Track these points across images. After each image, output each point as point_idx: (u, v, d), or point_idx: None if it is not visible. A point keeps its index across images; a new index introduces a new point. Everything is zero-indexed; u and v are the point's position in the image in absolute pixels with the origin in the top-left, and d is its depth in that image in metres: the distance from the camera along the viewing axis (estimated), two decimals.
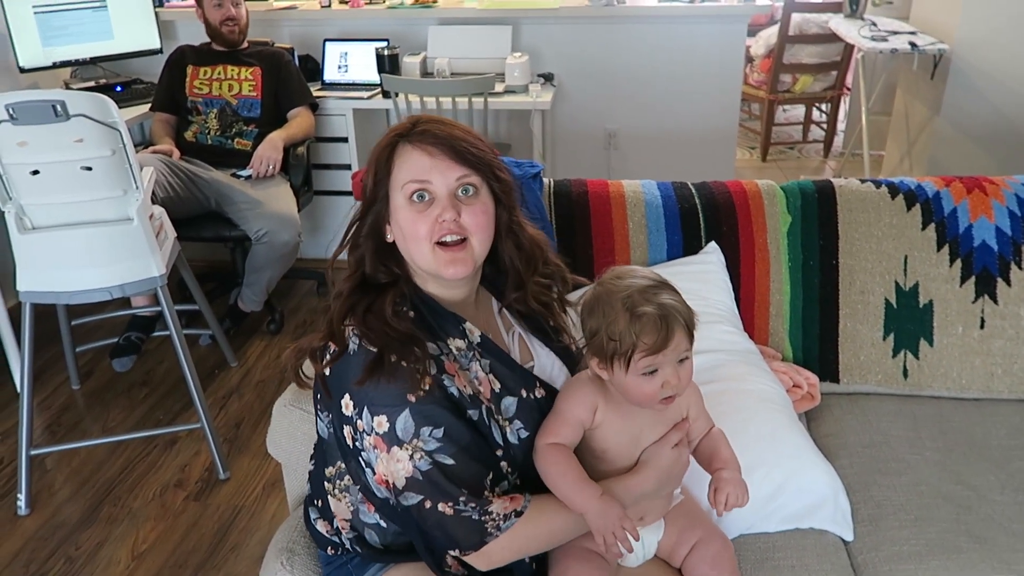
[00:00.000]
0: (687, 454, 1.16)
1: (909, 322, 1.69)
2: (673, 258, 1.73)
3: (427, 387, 1.02)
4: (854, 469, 1.47)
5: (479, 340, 1.12)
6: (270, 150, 2.86)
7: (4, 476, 2.27)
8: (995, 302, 1.67)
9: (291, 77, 3.08)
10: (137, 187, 2.06)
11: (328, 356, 1.07)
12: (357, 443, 1.06)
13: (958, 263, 1.68)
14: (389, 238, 1.10)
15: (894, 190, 1.74)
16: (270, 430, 1.46)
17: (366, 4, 3.74)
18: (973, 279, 1.68)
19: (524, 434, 1.09)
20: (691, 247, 1.73)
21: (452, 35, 3.57)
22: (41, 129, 1.88)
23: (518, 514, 1.04)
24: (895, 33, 3.63)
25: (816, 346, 1.73)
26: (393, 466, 1.02)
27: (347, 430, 1.06)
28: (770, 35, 4.74)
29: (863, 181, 1.78)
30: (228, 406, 2.57)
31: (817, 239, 1.73)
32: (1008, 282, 1.67)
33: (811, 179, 1.83)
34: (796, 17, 4.49)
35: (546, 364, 1.19)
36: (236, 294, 3.00)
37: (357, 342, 1.04)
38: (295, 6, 3.83)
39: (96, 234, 2.03)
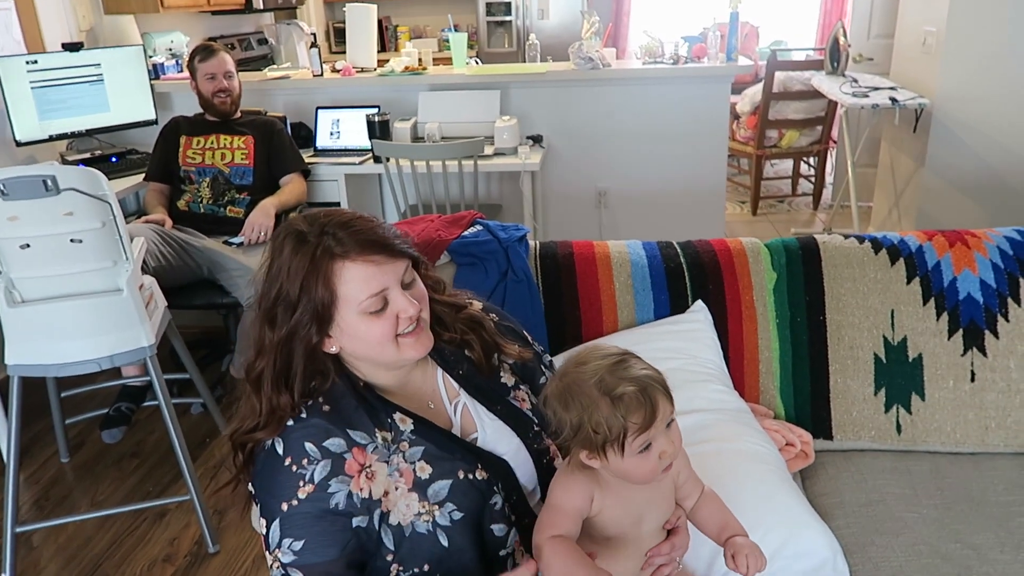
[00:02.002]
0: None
1: (900, 377, 1.68)
2: (660, 317, 1.73)
3: (303, 496, 1.02)
4: (851, 529, 1.44)
5: (412, 428, 1.11)
6: (262, 217, 2.89)
7: None
8: (984, 355, 1.66)
9: (283, 145, 3.13)
10: (127, 258, 2.07)
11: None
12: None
13: (945, 316, 1.68)
14: (333, 350, 1.09)
15: (877, 245, 1.75)
16: (254, 508, 1.43)
17: (357, 72, 3.82)
18: (961, 332, 1.67)
19: (457, 516, 1.07)
20: (678, 306, 1.73)
21: (442, 100, 3.64)
22: (32, 204, 1.90)
23: None
24: (876, 89, 3.71)
25: (808, 403, 1.71)
26: (270, 568, 1.06)
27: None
28: (755, 92, 4.85)
29: (846, 236, 1.79)
30: (219, 476, 2.54)
31: (803, 295, 1.73)
32: (996, 334, 1.67)
33: (795, 235, 1.84)
34: (779, 75, 4.59)
35: (491, 435, 1.16)
36: (228, 361, 2.98)
37: (271, 442, 1.06)
38: (288, 76, 3.92)
39: (85, 305, 2.03)
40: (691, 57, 3.72)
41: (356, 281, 1.03)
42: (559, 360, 1.22)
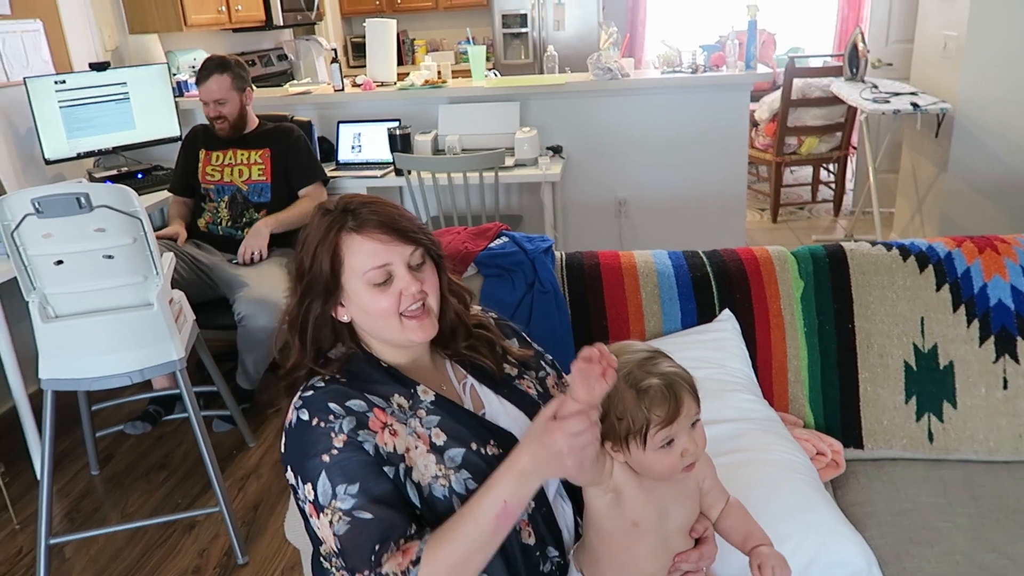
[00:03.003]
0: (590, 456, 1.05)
1: (931, 384, 1.67)
2: (688, 327, 1.73)
3: (340, 444, 1.06)
4: (885, 539, 1.43)
5: (432, 399, 1.15)
6: (254, 239, 2.87)
7: (23, 566, 2.25)
8: (1017, 361, 1.65)
9: (300, 154, 3.04)
10: (157, 273, 2.10)
11: (283, 432, 1.13)
12: (306, 513, 1.09)
13: (975, 323, 1.67)
14: (346, 319, 1.16)
15: (905, 252, 1.74)
16: (288, 515, 1.45)
17: (378, 87, 3.86)
18: (992, 339, 1.66)
19: (472, 485, 1.09)
20: (705, 315, 1.73)
21: (462, 113, 3.67)
22: (65, 221, 1.94)
23: (415, 563, 1.01)
24: (897, 94, 3.69)
25: (837, 412, 1.71)
26: (325, 534, 1.06)
27: (299, 502, 1.10)
28: (773, 100, 4.84)
29: (873, 244, 1.79)
30: (247, 488, 2.56)
31: (831, 303, 1.72)
32: None
33: (822, 243, 1.84)
34: (798, 82, 4.58)
35: (497, 411, 1.21)
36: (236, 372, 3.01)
37: (295, 414, 1.10)
38: (310, 91, 3.96)
39: (117, 320, 2.06)
40: (709, 66, 3.73)
41: (361, 253, 1.12)
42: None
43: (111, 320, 2.06)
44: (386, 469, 1.07)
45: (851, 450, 1.69)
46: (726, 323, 1.70)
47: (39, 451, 2.53)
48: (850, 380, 1.70)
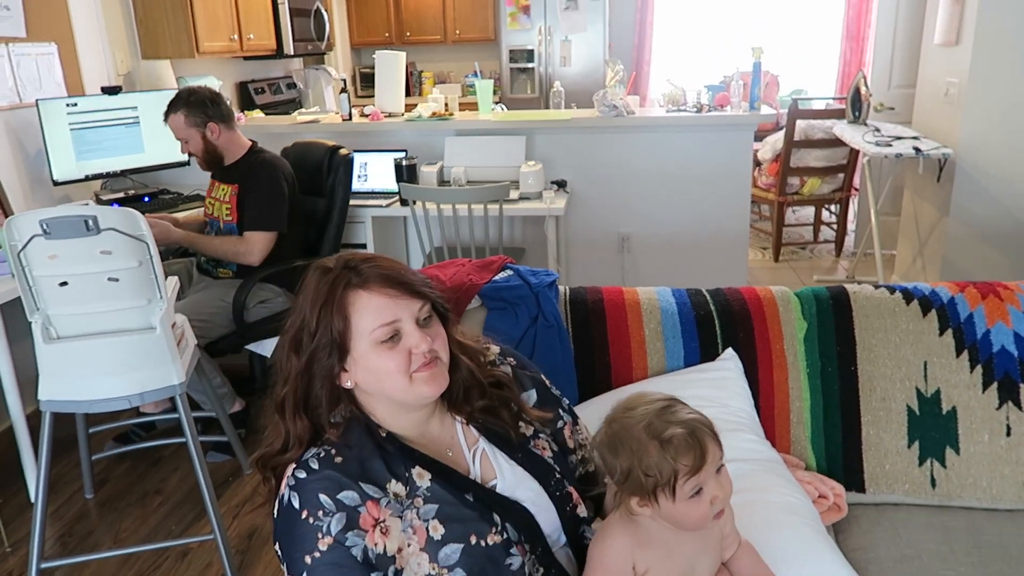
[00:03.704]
0: None
1: (933, 430, 1.66)
2: (690, 365, 1.73)
3: (324, 547, 1.02)
4: None
5: (428, 485, 1.09)
6: (160, 233, 2.66)
7: None
8: (1020, 408, 1.65)
9: (259, 196, 2.78)
10: (161, 296, 2.10)
11: (277, 498, 1.09)
12: None
13: (978, 369, 1.67)
14: (348, 384, 1.11)
15: (908, 296, 1.75)
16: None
17: (385, 117, 3.90)
18: (995, 385, 1.66)
19: None
20: (708, 354, 1.73)
21: (468, 145, 3.70)
22: (72, 242, 1.94)
23: None
24: (899, 138, 3.73)
25: (839, 454, 1.70)
26: None
27: None
28: (776, 140, 4.89)
29: (877, 287, 1.79)
30: (241, 516, 2.53)
31: (834, 345, 1.72)
32: None
33: (824, 284, 1.84)
34: (801, 123, 4.63)
35: (509, 481, 1.16)
36: None
37: (288, 492, 1.06)
38: (318, 119, 4.01)
39: (119, 343, 2.06)
40: (714, 105, 3.77)
41: (369, 310, 1.06)
42: (604, 406, 1.19)
43: (113, 343, 2.06)
44: (373, 575, 1.03)
45: (853, 494, 1.67)
46: (729, 362, 1.70)
47: (34, 473, 2.51)
48: (852, 423, 1.70)
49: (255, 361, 3.22)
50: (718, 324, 1.75)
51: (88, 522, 2.53)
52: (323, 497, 1.03)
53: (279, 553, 1.07)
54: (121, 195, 3.50)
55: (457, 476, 1.12)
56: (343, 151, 3.13)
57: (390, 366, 1.07)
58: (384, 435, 1.12)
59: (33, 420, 2.43)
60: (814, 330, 1.74)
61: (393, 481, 1.08)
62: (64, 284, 1.99)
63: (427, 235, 3.31)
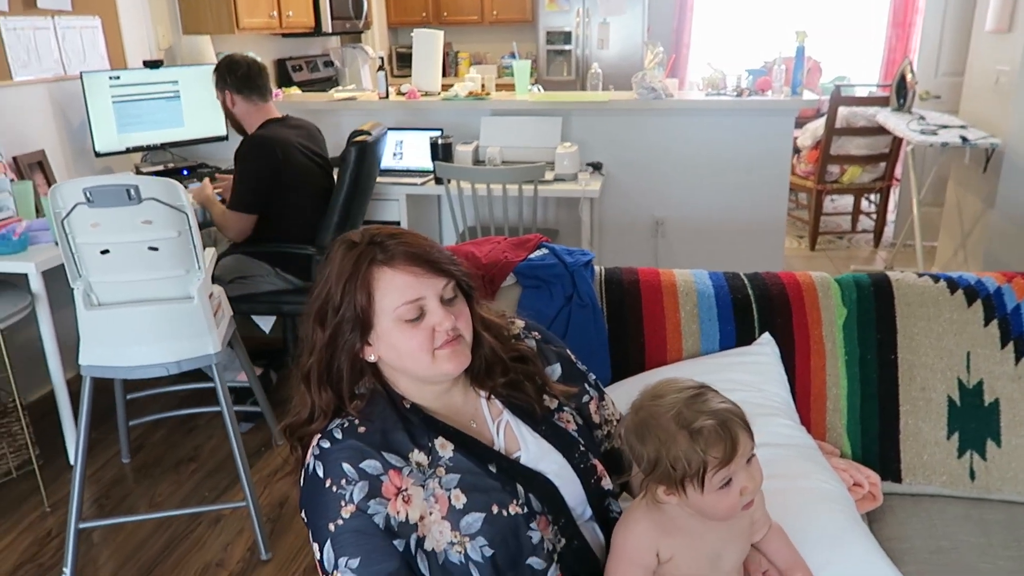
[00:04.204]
0: None
1: (974, 421, 1.63)
2: (726, 348, 1.71)
3: (347, 515, 1.03)
4: None
5: (450, 455, 1.10)
6: (197, 190, 2.93)
7: (52, 548, 2.28)
8: None
9: (235, 176, 2.84)
10: (199, 267, 2.13)
11: (303, 467, 1.10)
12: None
13: None
14: (371, 358, 1.11)
15: (953, 285, 1.71)
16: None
17: (422, 96, 3.89)
18: None
19: (488, 552, 1.05)
20: (744, 338, 1.71)
21: (504, 125, 3.69)
22: (114, 211, 1.97)
23: None
24: (945, 127, 3.64)
25: (876, 443, 1.67)
26: None
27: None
28: (817, 127, 4.80)
29: (920, 275, 1.75)
30: (272, 485, 2.57)
31: (874, 333, 1.69)
32: None
33: (866, 271, 1.81)
34: (843, 110, 4.54)
35: (534, 453, 1.16)
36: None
37: (313, 462, 1.07)
38: (354, 97, 4.02)
39: (157, 311, 2.09)
40: (755, 90, 3.71)
41: (393, 288, 1.06)
42: (636, 387, 1.18)
43: (152, 311, 2.09)
44: (396, 542, 1.03)
45: (888, 483, 1.65)
46: (766, 347, 1.68)
47: (74, 436, 2.58)
48: (890, 412, 1.67)
49: (288, 334, 3.25)
50: (755, 308, 1.73)
51: (125, 486, 2.59)
52: (346, 466, 1.04)
53: (305, 520, 1.08)
54: (160, 168, 3.54)
55: (480, 447, 1.13)
56: (360, 137, 2.92)
57: (413, 344, 1.07)
58: (408, 406, 1.12)
59: (73, 385, 2.49)
60: (854, 317, 1.71)
61: (415, 451, 1.08)
62: (106, 252, 2.03)
63: (461, 214, 3.31)
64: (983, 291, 1.69)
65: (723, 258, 3.74)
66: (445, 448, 1.10)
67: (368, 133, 2.97)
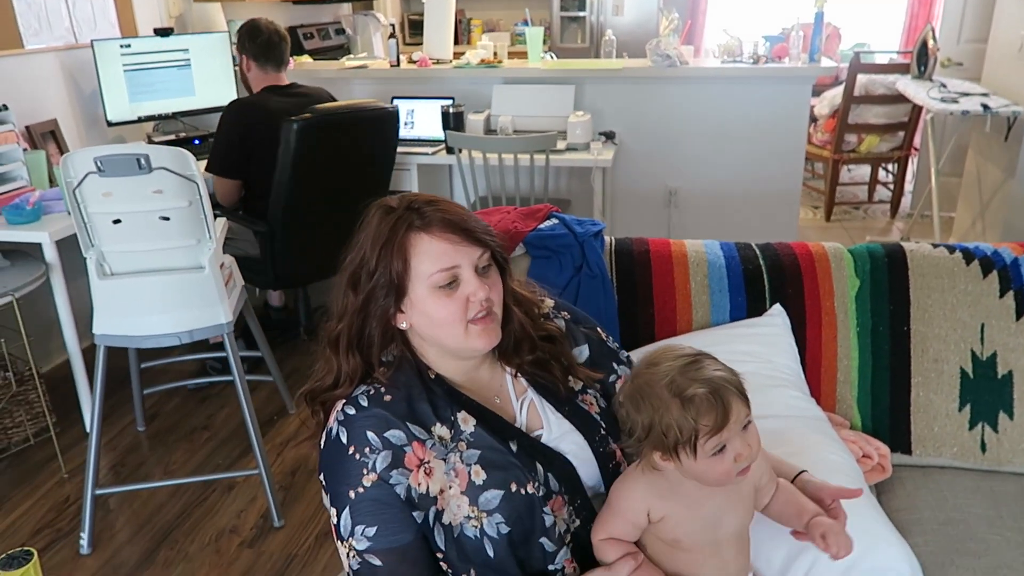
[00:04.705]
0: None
1: (987, 393, 1.61)
2: (737, 319, 1.70)
3: (368, 483, 1.03)
4: (930, 548, 1.40)
5: (472, 430, 1.09)
6: None
7: (70, 514, 2.33)
8: None
9: (214, 136, 2.95)
10: (210, 237, 2.14)
11: (324, 430, 1.10)
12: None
13: None
14: (403, 326, 1.11)
15: (969, 256, 1.68)
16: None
17: (434, 64, 3.86)
18: None
19: (504, 529, 1.05)
20: (755, 309, 1.70)
21: (516, 94, 3.65)
22: (125, 181, 1.98)
23: None
24: (966, 95, 3.57)
25: (886, 415, 1.66)
26: (342, 559, 1.06)
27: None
28: (835, 95, 4.72)
29: (935, 246, 1.73)
30: (285, 453, 2.60)
31: (887, 304, 1.67)
32: None
33: (880, 242, 1.79)
34: (862, 78, 4.45)
35: (556, 432, 1.16)
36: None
37: (336, 427, 1.07)
38: (366, 65, 3.98)
39: (169, 281, 2.11)
40: (772, 57, 3.65)
41: (429, 254, 1.05)
42: (636, 356, 1.19)
43: (164, 281, 2.10)
44: (415, 514, 1.04)
45: (898, 455, 1.64)
46: (776, 318, 1.67)
47: (89, 404, 2.61)
48: (902, 384, 1.66)
49: (300, 305, 3.26)
50: (767, 279, 1.71)
51: (140, 453, 2.63)
52: (370, 434, 1.05)
53: (323, 483, 1.09)
54: (172, 137, 3.54)
55: (502, 423, 1.13)
56: (303, 115, 2.71)
57: (446, 313, 1.06)
58: (433, 376, 1.12)
59: (88, 354, 2.51)
60: (867, 288, 1.69)
61: (438, 424, 1.08)
62: (118, 222, 2.04)
63: (472, 184, 3.29)
64: (999, 262, 1.66)
65: (736, 229, 3.71)
66: (467, 423, 1.10)
67: (319, 112, 2.79)
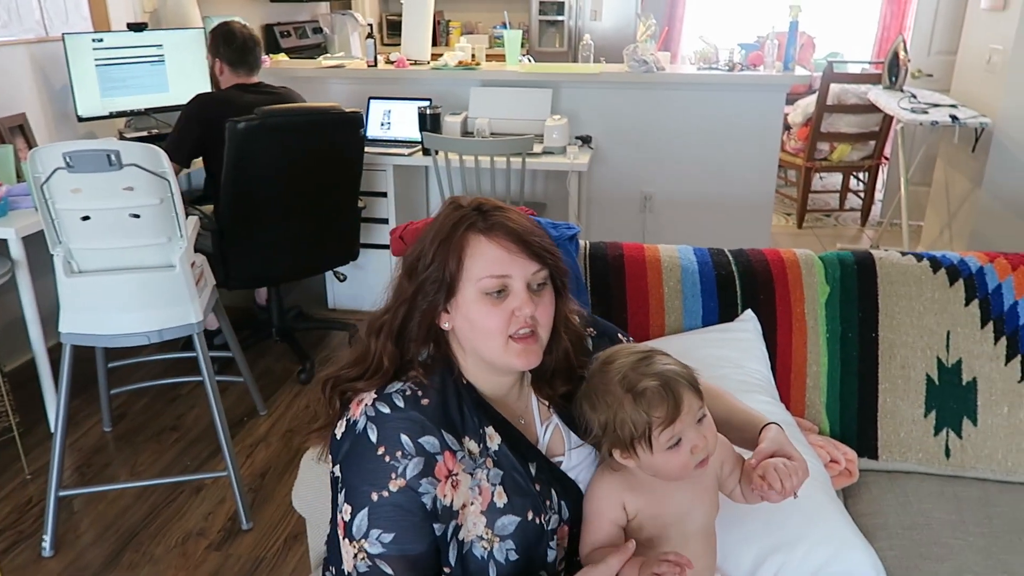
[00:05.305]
0: None
1: (952, 400, 1.64)
2: (709, 324, 1.71)
3: (394, 488, 1.00)
4: (894, 552, 1.41)
5: (497, 448, 1.08)
6: None
7: (32, 516, 2.28)
8: None
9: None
10: (181, 235, 2.11)
11: (345, 419, 1.07)
12: (336, 513, 1.06)
13: (1003, 341, 1.64)
14: (446, 326, 1.08)
15: (936, 264, 1.71)
16: (296, 484, 1.46)
17: (411, 65, 3.84)
18: (1019, 358, 1.63)
19: (513, 556, 1.04)
20: (727, 314, 1.71)
21: (493, 96, 3.65)
22: (95, 177, 1.95)
23: None
24: (936, 106, 3.63)
25: (854, 420, 1.68)
26: (345, 556, 1.03)
27: (334, 502, 1.08)
28: (808, 104, 4.78)
29: (904, 254, 1.76)
30: (255, 455, 2.57)
31: (856, 311, 1.70)
32: None
33: (850, 250, 1.81)
34: (835, 87, 4.52)
35: (575, 462, 1.15)
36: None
37: (364, 422, 1.04)
38: (343, 65, 3.96)
39: (139, 279, 2.07)
40: (747, 64, 3.68)
41: (483, 257, 1.04)
42: None
43: (133, 279, 2.07)
44: (436, 526, 1.02)
45: (865, 460, 1.66)
46: (748, 323, 1.68)
47: (54, 404, 2.56)
48: (869, 390, 1.68)
49: (272, 306, 3.23)
50: (739, 285, 1.72)
51: (105, 454, 2.59)
52: (404, 438, 1.02)
53: (339, 477, 1.05)
54: (144, 133, 3.49)
55: (525, 443, 1.11)
56: (246, 118, 2.66)
57: (489, 323, 1.04)
58: (465, 383, 1.10)
59: (54, 353, 2.47)
60: (836, 295, 1.71)
61: (467, 437, 1.06)
62: (86, 218, 2.00)
63: (448, 186, 3.28)
64: (965, 271, 1.69)
65: (710, 234, 3.74)
66: (493, 439, 1.08)
67: (265, 114, 2.71)
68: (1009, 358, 1.63)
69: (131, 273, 2.07)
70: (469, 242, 1.04)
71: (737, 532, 1.26)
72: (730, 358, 1.60)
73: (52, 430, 2.50)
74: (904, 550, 1.42)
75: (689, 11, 6.62)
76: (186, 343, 2.74)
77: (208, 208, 2.95)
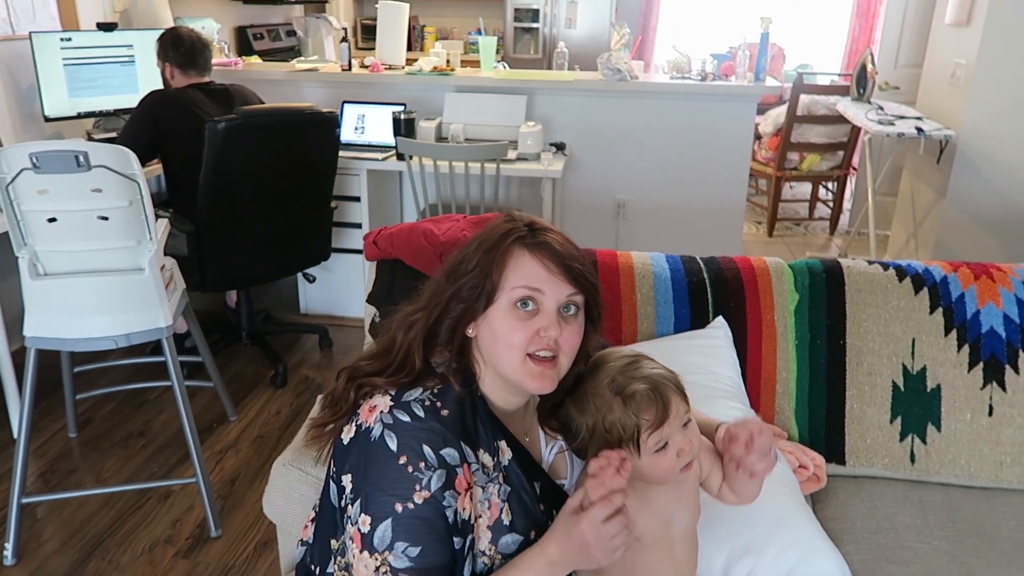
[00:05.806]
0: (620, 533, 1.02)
1: (917, 406, 1.67)
2: (681, 331, 1.73)
3: (419, 500, 0.98)
4: (861, 556, 1.44)
5: (506, 464, 1.07)
6: None
7: None
8: (1004, 389, 1.66)
9: None
10: (151, 238, 2.08)
11: (354, 424, 1.05)
12: (343, 523, 1.04)
13: (966, 348, 1.67)
14: (470, 333, 1.07)
15: (902, 273, 1.74)
16: (267, 489, 1.44)
17: (385, 69, 3.84)
18: (981, 365, 1.67)
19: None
20: (698, 321, 1.73)
21: (468, 102, 3.65)
22: (62, 178, 1.91)
23: None
24: (902, 118, 3.70)
25: (822, 426, 1.71)
26: (360, 568, 1.00)
27: (341, 510, 1.06)
28: (779, 114, 4.85)
29: (871, 262, 1.79)
30: (224, 461, 2.54)
31: (825, 318, 1.72)
32: (1016, 370, 1.66)
33: (819, 258, 1.84)
34: (804, 98, 4.59)
35: (576, 481, 1.15)
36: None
37: (381, 429, 1.01)
38: (317, 68, 3.94)
39: (107, 283, 2.04)
40: (719, 74, 3.73)
41: (521, 269, 1.04)
42: None
43: (101, 282, 2.04)
44: (456, 539, 1.01)
45: (833, 465, 1.69)
46: (719, 330, 1.70)
47: (18, 409, 2.51)
48: (837, 396, 1.71)
49: (242, 309, 3.20)
50: (710, 292, 1.74)
51: (71, 460, 2.54)
52: (427, 449, 1.00)
53: (350, 483, 1.03)
54: (114, 134, 3.43)
55: (530, 460, 1.11)
56: (226, 119, 2.64)
57: (512, 337, 1.03)
58: (480, 395, 1.09)
59: (18, 357, 2.42)
60: (805, 302, 1.74)
61: (482, 450, 1.06)
62: (53, 220, 1.97)
63: (422, 191, 3.28)
64: (929, 280, 1.73)
65: (683, 242, 3.78)
66: (504, 454, 1.08)
67: (245, 114, 2.71)
68: (972, 365, 1.67)
69: (99, 276, 2.04)
70: (513, 254, 1.05)
71: (708, 535, 1.27)
72: (701, 364, 1.62)
73: (15, 436, 2.45)
74: (870, 554, 1.45)
75: (662, 21, 6.69)
76: (155, 347, 2.72)
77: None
